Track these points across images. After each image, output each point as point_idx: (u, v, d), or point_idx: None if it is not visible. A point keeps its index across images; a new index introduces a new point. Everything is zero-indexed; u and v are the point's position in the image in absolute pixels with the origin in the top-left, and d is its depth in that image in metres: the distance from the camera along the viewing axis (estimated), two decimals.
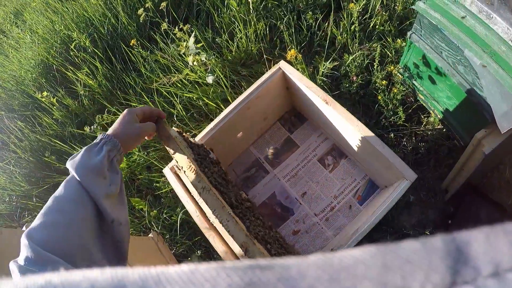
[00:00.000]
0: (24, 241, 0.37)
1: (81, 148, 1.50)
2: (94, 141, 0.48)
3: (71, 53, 1.82)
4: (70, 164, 0.45)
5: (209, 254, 1.26)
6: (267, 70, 1.51)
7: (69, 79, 1.78)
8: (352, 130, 0.80)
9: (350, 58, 1.44)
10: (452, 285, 0.11)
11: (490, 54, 0.75)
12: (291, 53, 1.19)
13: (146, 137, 0.60)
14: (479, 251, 0.11)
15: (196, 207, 0.79)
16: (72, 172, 0.44)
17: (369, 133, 0.77)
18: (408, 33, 1.15)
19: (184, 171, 0.62)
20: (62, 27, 1.96)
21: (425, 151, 1.42)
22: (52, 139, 1.65)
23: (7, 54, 2.12)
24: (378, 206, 0.76)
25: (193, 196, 0.80)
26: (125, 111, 0.54)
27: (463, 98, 1.05)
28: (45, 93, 1.60)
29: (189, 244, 1.31)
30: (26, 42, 2.05)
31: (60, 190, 0.43)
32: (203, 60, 1.20)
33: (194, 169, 0.61)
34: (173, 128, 0.69)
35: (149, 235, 1.26)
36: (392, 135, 1.38)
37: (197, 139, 0.89)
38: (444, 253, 0.11)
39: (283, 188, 0.92)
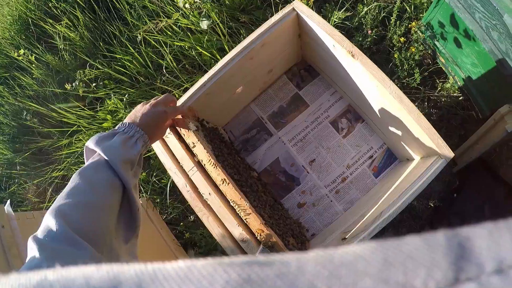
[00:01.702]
0: (50, 217, 0.34)
1: (65, 108, 1.31)
2: (126, 133, 0.47)
3: (50, 5, 1.53)
4: (101, 148, 0.42)
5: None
6: (271, 17, 1.28)
7: (48, 33, 1.51)
8: (379, 92, 0.61)
9: (365, 9, 1.20)
10: (455, 282, 0.10)
11: None
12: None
13: None
14: (482, 247, 0.10)
15: (186, 180, 0.62)
16: (103, 155, 0.42)
17: (404, 98, 0.59)
18: None
19: (204, 164, 0.60)
20: None
21: (437, 119, 1.25)
22: (33, 101, 1.43)
23: None
24: (403, 185, 0.60)
25: (183, 169, 0.63)
26: (162, 109, 0.51)
27: (491, 68, 0.91)
28: (21, 51, 1.34)
29: (182, 209, 1.17)
30: None
31: (90, 171, 0.41)
32: (196, 1, 0.96)
33: (213, 163, 0.59)
34: (190, 121, 0.67)
35: None
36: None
37: (188, 94, 0.69)
38: (446, 249, 0.10)
39: (289, 153, 0.75)
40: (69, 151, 1.33)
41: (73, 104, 1.35)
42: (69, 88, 1.31)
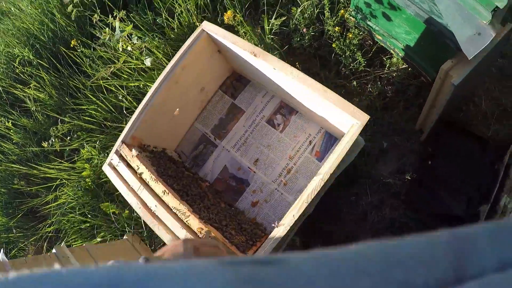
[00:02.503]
0: None
1: (46, 166, 1.42)
2: None
3: (17, 71, 1.69)
4: None
5: None
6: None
7: (20, 98, 1.67)
8: (291, 81, 0.69)
9: (298, 10, 1.30)
10: (456, 280, 0.11)
11: None
12: (228, 14, 1.07)
13: None
14: (484, 246, 0.11)
15: (137, 199, 0.71)
16: None
17: (307, 79, 0.67)
18: None
19: (148, 182, 0.71)
20: (3, 45, 1.82)
21: (393, 94, 1.32)
22: (17, 165, 1.56)
23: None
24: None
25: (133, 189, 0.73)
26: None
27: (422, 30, 0.97)
28: None
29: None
30: None
31: None
32: (135, 43, 1.08)
33: (154, 178, 0.70)
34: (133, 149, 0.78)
35: (124, 237, 1.19)
36: (354, 83, 1.27)
37: (128, 124, 0.80)
38: (447, 248, 0.11)
39: (234, 159, 0.83)
40: (56, 204, 1.43)
41: (53, 160, 1.46)
42: (46, 146, 1.43)
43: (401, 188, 1.24)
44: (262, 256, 0.14)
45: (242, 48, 0.70)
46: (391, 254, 0.11)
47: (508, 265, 0.11)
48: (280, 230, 0.56)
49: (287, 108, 0.84)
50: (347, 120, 0.69)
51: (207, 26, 0.77)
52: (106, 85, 1.30)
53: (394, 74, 1.32)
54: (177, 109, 0.84)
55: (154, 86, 0.77)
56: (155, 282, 0.12)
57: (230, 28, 1.32)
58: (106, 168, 0.81)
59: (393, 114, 1.29)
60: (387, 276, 0.10)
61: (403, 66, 1.30)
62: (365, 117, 0.64)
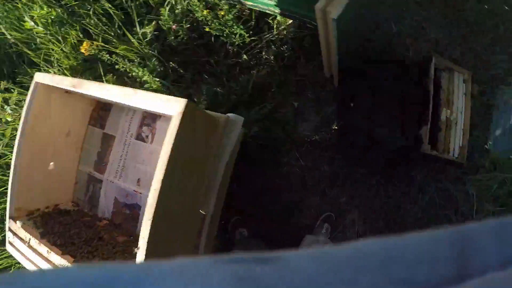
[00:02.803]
0: None
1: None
2: None
3: None
4: None
5: None
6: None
7: None
8: (112, 94, 0.70)
9: (167, 10, 1.31)
10: (458, 278, 0.10)
11: None
12: (84, 46, 1.08)
13: None
14: (487, 243, 0.11)
15: (35, 267, 0.76)
16: None
17: (114, 88, 0.70)
18: None
19: (36, 248, 0.75)
20: None
21: (291, 52, 1.32)
22: None
23: None
24: None
25: (30, 258, 0.77)
26: None
27: None
28: None
29: None
30: None
31: None
32: (10, 112, 1.10)
33: (38, 242, 0.75)
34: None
35: None
36: (244, 57, 1.27)
37: (8, 199, 0.82)
38: (450, 245, 0.11)
39: (119, 187, 0.85)
40: None
41: None
42: None
43: (331, 140, 1.25)
44: (259, 253, 0.13)
45: (64, 85, 0.72)
46: (392, 251, 0.11)
47: (509, 261, 0.11)
48: (139, 255, 0.58)
49: (150, 117, 0.86)
50: (173, 110, 0.69)
51: (39, 77, 0.79)
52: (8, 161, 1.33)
53: (284, 32, 1.32)
54: (51, 163, 0.86)
55: (13, 154, 0.79)
56: (151, 280, 0.12)
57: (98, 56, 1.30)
58: (8, 247, 0.84)
59: (297, 71, 1.29)
60: (387, 273, 0.11)
61: (290, 22, 1.30)
62: (181, 103, 0.63)
